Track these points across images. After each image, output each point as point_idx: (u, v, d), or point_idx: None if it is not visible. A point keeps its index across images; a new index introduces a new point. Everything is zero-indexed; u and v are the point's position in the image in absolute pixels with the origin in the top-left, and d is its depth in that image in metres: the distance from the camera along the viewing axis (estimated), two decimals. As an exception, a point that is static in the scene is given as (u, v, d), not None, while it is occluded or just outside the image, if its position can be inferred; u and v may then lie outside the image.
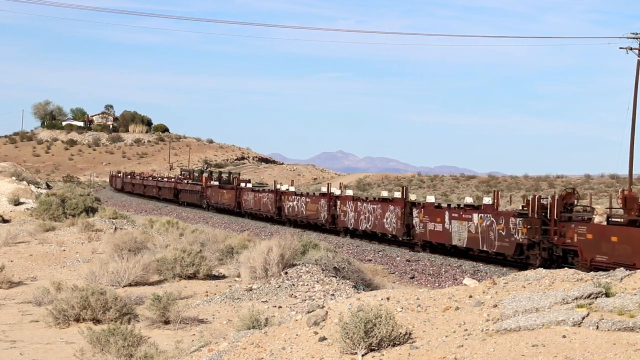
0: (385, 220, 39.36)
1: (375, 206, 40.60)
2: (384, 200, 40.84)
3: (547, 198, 29.86)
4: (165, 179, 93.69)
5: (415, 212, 37.08)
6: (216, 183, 71.97)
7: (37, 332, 15.78)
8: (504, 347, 8.59)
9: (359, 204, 42.39)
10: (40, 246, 27.93)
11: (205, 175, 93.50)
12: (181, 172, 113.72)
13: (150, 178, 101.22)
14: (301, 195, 51.37)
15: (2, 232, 29.09)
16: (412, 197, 39.84)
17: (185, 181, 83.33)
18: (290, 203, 51.85)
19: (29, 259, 25.58)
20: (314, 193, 51.30)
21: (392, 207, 38.69)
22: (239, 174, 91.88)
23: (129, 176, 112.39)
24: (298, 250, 21.82)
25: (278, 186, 56.15)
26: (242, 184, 64.07)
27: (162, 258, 21.32)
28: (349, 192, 46.02)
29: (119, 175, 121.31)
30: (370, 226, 41.02)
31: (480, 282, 11.49)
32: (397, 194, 39.74)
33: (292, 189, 54.45)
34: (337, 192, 46.61)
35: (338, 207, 44.57)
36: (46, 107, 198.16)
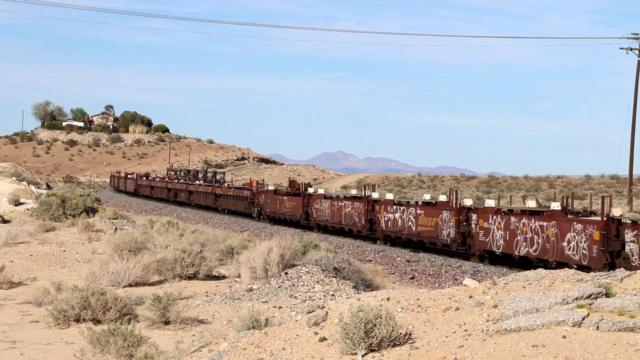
0: (565, 244, 29.03)
1: (545, 223, 29.71)
2: (559, 214, 29.92)
3: None
4: (198, 182, 79.92)
5: (629, 234, 26.22)
6: (271, 188, 59.66)
7: (38, 333, 15.78)
8: (504, 348, 8.58)
9: (512, 219, 31.57)
10: (41, 246, 27.92)
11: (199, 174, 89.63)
12: (167, 171, 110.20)
13: (176, 181, 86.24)
14: (405, 205, 39.39)
15: (3, 233, 29.08)
16: (616, 211, 27.61)
17: (227, 184, 71.51)
18: (390, 215, 39.94)
19: (29, 259, 25.58)
20: (420, 202, 39.41)
21: (579, 226, 28.20)
22: (218, 172, 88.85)
23: (145, 177, 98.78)
24: (298, 251, 21.85)
25: (370, 193, 43.46)
26: (310, 189, 52.50)
27: (162, 258, 21.33)
28: (490, 203, 35.57)
29: (130, 176, 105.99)
30: (536, 251, 30.43)
31: (481, 282, 11.49)
32: (554, 205, 30.39)
33: (390, 196, 43.03)
34: (469, 201, 35.95)
35: (474, 222, 33.51)
36: (46, 108, 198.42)
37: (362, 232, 42.85)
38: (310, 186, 56.11)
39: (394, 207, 40.03)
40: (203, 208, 71.84)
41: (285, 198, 53.54)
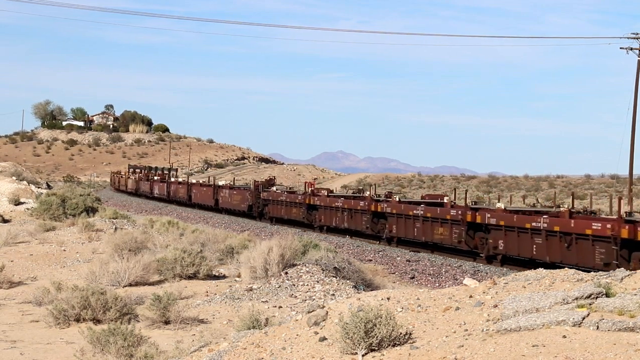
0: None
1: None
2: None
3: None
4: (276, 187, 58.23)
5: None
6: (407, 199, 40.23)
7: (38, 332, 15.78)
8: (504, 347, 8.58)
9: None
10: (41, 246, 27.92)
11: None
12: (128, 168, 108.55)
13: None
14: None
15: (3, 232, 29.07)
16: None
17: (323, 191, 49.76)
18: None
19: (29, 258, 25.57)
20: None
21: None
22: (176, 169, 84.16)
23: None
24: (298, 250, 21.82)
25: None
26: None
27: (162, 258, 21.32)
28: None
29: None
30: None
31: (481, 282, 11.48)
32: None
33: None
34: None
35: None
36: (46, 107, 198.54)
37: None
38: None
39: None
40: (297, 224, 49.77)
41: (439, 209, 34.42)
